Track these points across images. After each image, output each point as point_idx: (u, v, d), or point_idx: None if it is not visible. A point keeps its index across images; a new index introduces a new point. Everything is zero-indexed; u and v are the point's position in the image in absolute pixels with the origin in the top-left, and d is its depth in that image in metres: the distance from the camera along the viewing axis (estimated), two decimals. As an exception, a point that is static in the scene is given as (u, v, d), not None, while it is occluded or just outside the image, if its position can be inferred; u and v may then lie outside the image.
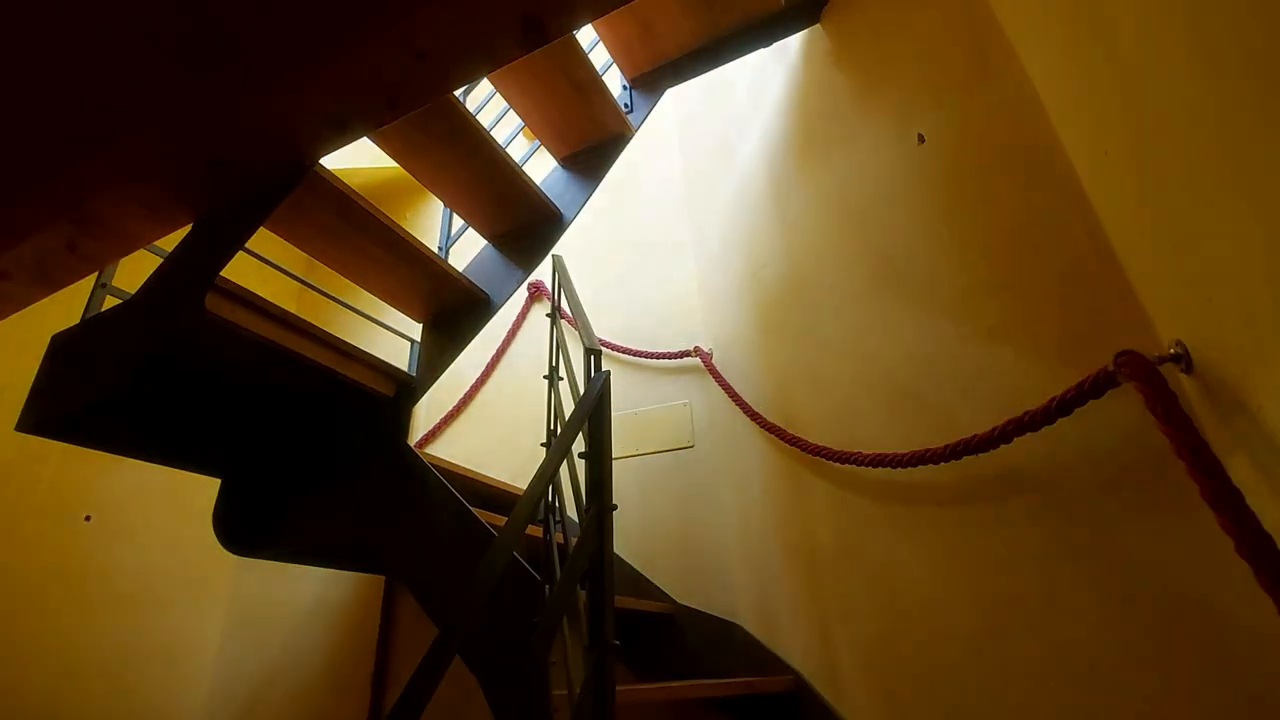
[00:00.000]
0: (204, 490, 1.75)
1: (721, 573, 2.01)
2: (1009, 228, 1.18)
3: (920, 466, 1.23)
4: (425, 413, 3.03)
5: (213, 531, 1.70)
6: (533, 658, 0.78)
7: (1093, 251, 1.02)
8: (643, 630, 1.92)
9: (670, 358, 2.41)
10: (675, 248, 2.67)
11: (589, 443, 1.08)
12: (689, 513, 2.16)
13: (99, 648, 2.33)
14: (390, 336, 2.50)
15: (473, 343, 1.84)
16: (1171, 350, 0.84)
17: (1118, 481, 0.96)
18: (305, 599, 2.64)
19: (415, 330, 1.98)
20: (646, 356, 2.48)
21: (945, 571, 1.22)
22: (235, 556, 2.55)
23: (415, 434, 3.00)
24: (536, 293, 3.05)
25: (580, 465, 1.18)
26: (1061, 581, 1.01)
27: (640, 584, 2.13)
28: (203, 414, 1.52)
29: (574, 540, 1.04)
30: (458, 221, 2.34)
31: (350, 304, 2.23)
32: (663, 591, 2.10)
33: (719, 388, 2.13)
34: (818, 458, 1.56)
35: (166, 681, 2.52)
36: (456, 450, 2.83)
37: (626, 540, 2.20)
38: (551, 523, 1.47)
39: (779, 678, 1.59)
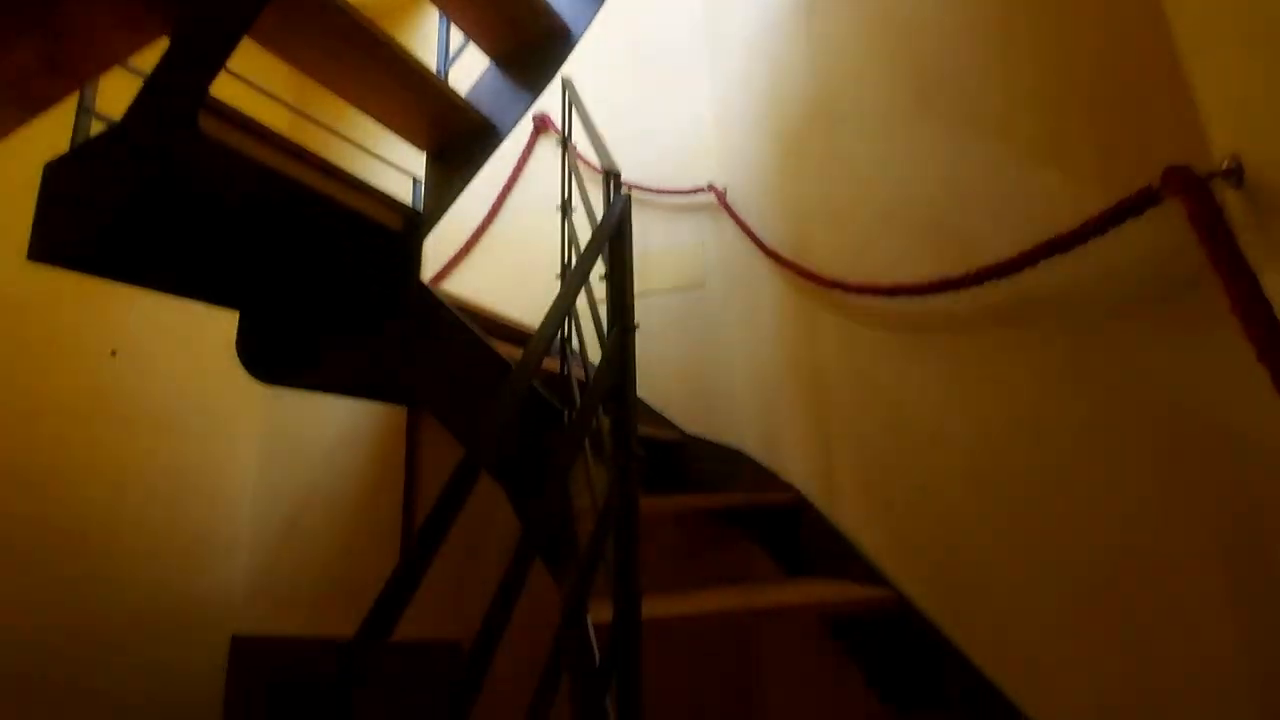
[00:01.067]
0: (226, 327, 1.77)
1: (729, 404, 2.09)
2: (1063, 33, 1.08)
3: (937, 295, 1.23)
4: (433, 253, 3.00)
5: (237, 365, 1.74)
6: (556, 465, 0.82)
7: (1155, 55, 0.94)
8: (653, 457, 2.04)
9: (683, 194, 2.33)
10: (690, 74, 2.48)
11: (610, 265, 1.07)
12: (699, 349, 2.21)
13: (145, 467, 2.48)
14: (394, 176, 2.41)
15: (477, 180, 1.77)
16: (1225, 165, 0.80)
17: (1136, 305, 0.96)
18: (334, 428, 2.78)
19: (418, 167, 1.90)
20: (658, 193, 2.40)
21: (952, 393, 1.26)
22: (263, 389, 2.67)
23: (425, 273, 2.99)
24: (542, 125, 2.89)
25: (599, 297, 1.18)
26: (1068, 400, 1.04)
27: (650, 415, 2.23)
28: (208, 241, 1.50)
29: (592, 374, 1.06)
30: (455, 43, 2.15)
31: (349, 138, 2.12)
32: (672, 423, 2.21)
33: (733, 225, 2.08)
34: (832, 290, 1.55)
35: (212, 502, 2.73)
36: (466, 289, 2.84)
37: (636, 375, 2.27)
38: (568, 353, 1.51)
39: (782, 493, 1.71)
